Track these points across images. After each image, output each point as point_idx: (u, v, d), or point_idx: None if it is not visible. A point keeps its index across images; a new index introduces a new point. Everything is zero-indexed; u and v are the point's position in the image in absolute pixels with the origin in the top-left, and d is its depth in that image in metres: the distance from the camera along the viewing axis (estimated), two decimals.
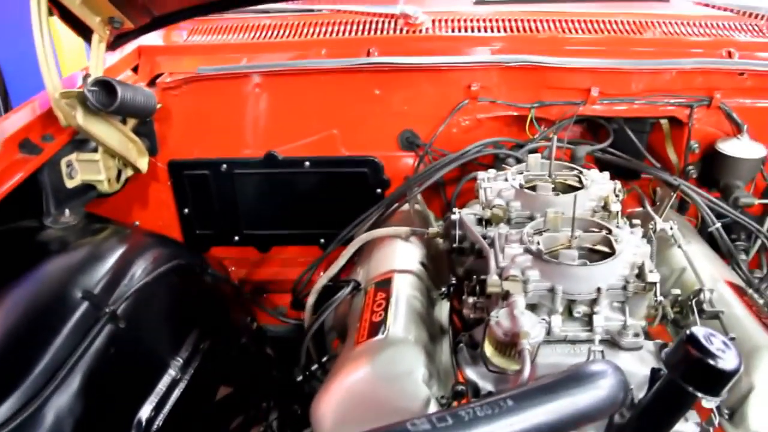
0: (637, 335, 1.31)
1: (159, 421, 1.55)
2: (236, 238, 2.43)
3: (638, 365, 1.28)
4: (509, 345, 1.20)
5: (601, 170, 1.68)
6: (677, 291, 1.42)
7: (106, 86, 1.82)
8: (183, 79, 2.20)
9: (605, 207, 1.54)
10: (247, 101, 2.25)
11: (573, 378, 1.00)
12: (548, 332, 1.30)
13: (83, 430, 1.35)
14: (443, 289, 1.68)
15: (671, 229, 1.64)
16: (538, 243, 1.35)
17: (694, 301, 1.39)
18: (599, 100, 2.10)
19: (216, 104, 2.25)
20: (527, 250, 1.35)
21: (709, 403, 0.97)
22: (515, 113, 2.18)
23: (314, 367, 1.77)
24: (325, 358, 1.78)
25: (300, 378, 1.78)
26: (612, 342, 1.32)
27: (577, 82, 2.10)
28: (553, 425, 0.95)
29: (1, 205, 1.65)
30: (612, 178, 1.66)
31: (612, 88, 2.10)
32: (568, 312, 1.32)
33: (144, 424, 1.52)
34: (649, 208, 1.92)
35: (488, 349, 1.24)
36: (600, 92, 2.09)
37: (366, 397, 1.30)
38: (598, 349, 1.29)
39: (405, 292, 1.57)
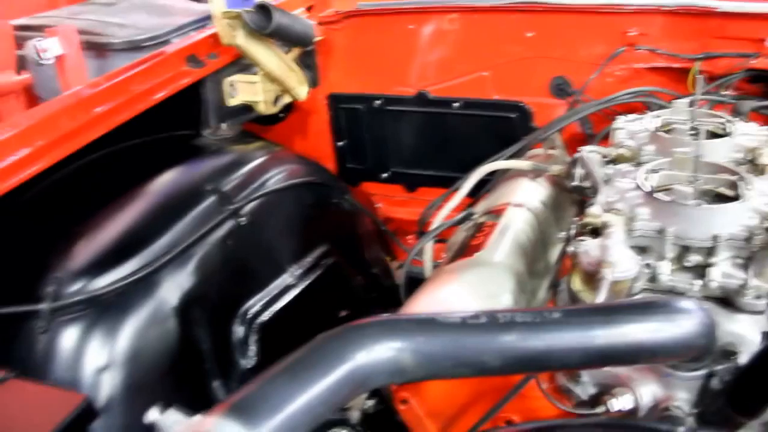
0: (759, 297, 1.17)
1: (265, 316, 1.66)
2: (384, 175, 2.48)
3: (754, 331, 1.14)
4: (596, 277, 1.13)
5: None
6: None
7: (264, 10, 1.94)
8: (344, 14, 2.28)
9: (753, 161, 1.38)
10: (403, 38, 2.28)
11: (645, 306, 0.92)
12: (653, 279, 1.20)
13: (188, 303, 1.49)
14: (564, 233, 1.61)
15: None
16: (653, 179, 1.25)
17: None
18: None
19: (373, 40, 2.31)
20: (638, 186, 1.26)
21: None
22: (677, 65, 1.99)
23: None
24: None
25: None
26: (727, 302, 1.19)
27: (752, 30, 1.87)
28: (603, 351, 0.87)
29: (164, 110, 1.83)
30: None
31: None
32: (680, 261, 1.22)
33: (250, 315, 1.64)
34: None
35: (575, 282, 1.19)
36: None
37: None
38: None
39: (515, 224, 1.53)
